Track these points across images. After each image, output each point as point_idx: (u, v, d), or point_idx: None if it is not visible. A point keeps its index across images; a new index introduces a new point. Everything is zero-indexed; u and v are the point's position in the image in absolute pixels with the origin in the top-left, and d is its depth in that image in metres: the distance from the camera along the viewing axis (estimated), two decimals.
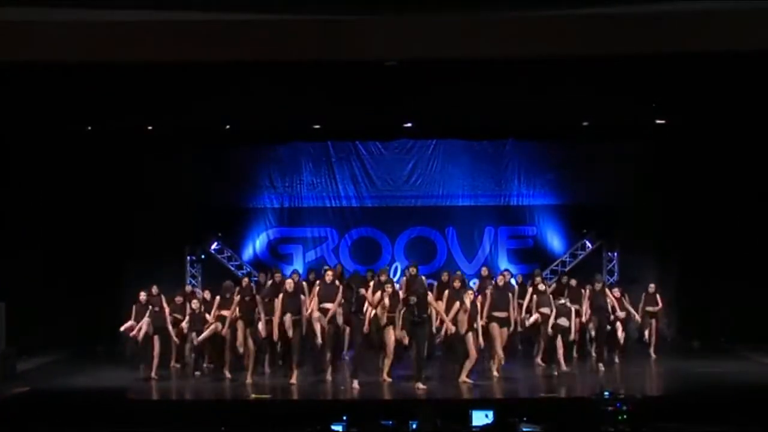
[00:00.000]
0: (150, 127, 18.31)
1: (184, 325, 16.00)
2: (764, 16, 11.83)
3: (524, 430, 9.50)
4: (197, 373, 15.92)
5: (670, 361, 17.56)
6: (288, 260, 20.93)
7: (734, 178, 19.03)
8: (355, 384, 14.18)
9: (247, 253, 20.92)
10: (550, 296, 16.16)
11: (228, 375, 15.20)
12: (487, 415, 10.09)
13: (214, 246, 20.60)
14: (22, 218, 18.43)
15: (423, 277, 15.51)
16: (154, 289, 16.41)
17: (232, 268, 20.45)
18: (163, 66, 13.19)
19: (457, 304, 14.39)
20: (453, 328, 14.39)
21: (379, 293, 14.30)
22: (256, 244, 21.01)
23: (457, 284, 14.76)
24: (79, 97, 15.26)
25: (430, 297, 14.68)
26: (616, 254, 20.39)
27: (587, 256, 20.54)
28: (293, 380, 14.61)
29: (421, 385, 14.07)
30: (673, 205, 19.87)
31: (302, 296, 14.94)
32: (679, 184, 19.75)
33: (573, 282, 17.25)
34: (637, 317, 17.21)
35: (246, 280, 15.99)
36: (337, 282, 15.29)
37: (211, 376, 15.80)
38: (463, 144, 20.80)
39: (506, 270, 17.35)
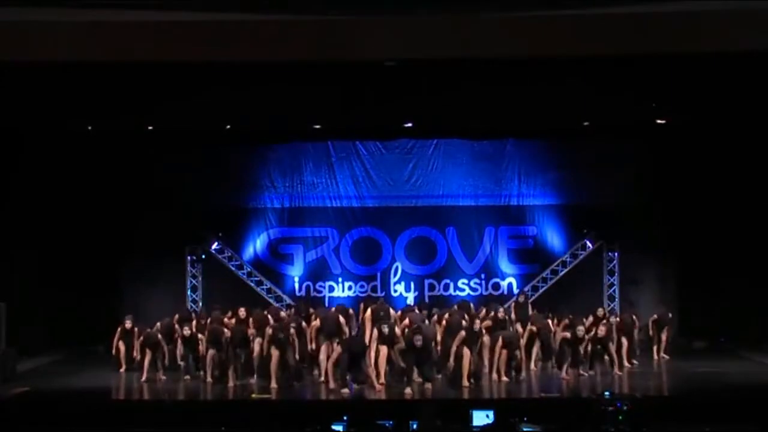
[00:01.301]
0: (150, 127, 18.29)
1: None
2: (764, 16, 11.84)
3: (524, 430, 9.53)
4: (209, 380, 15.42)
5: (670, 361, 17.56)
6: (288, 260, 20.92)
7: (734, 177, 19.02)
8: (353, 387, 14.20)
9: (248, 253, 20.88)
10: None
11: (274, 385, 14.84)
12: (487, 415, 10.11)
13: (214, 246, 20.59)
14: (22, 219, 18.43)
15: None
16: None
17: (233, 268, 20.45)
18: (163, 66, 13.18)
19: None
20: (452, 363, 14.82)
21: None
22: (257, 244, 20.97)
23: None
24: (79, 97, 15.23)
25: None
26: (616, 254, 20.39)
27: (587, 256, 20.55)
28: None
29: (428, 385, 14.34)
30: (673, 204, 19.85)
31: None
32: (680, 184, 19.73)
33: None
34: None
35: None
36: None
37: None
38: (463, 144, 20.77)
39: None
